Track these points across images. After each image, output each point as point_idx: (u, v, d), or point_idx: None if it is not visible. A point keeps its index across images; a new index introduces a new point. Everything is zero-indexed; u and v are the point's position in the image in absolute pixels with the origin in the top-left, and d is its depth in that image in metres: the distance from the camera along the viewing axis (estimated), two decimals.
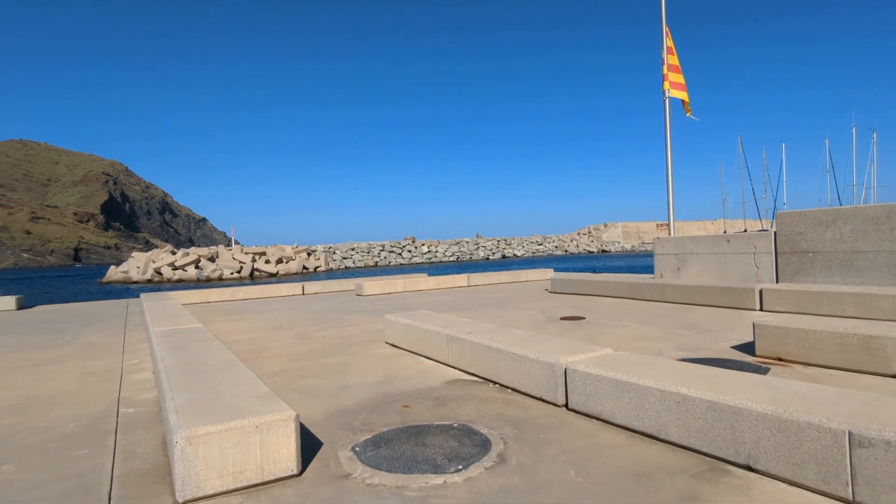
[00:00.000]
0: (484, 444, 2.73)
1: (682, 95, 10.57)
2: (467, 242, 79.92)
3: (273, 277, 49.35)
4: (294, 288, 12.78)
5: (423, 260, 73.05)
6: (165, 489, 2.38)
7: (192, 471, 2.23)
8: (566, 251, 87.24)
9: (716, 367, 3.22)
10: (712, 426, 2.43)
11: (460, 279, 13.10)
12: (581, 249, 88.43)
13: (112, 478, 2.53)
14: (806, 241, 6.90)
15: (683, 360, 4.30)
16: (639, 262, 51.24)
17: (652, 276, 9.28)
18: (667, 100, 10.31)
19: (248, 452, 2.35)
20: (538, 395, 3.45)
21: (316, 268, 56.17)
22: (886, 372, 3.66)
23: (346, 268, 64.12)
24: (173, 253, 51.91)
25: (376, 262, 68.83)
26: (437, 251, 75.51)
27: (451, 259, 75.27)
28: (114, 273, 52.69)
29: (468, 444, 2.73)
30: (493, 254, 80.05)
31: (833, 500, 2.05)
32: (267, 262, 51.93)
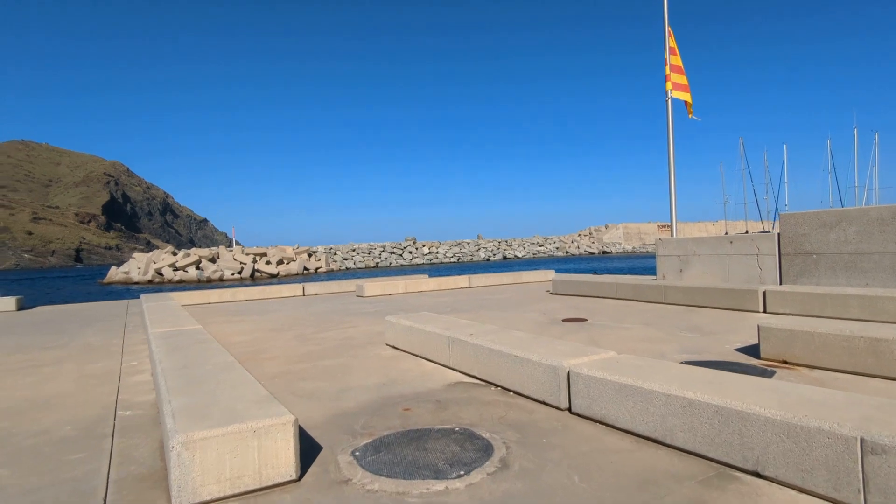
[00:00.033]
0: (486, 449, 2.68)
1: (685, 97, 10.53)
2: (468, 243, 79.90)
3: (274, 278, 49.33)
4: (294, 289, 12.74)
5: (424, 261, 73.01)
6: (162, 495, 2.33)
7: (188, 476, 2.19)
8: (567, 252, 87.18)
9: (721, 370, 3.18)
10: (719, 431, 2.39)
11: (461, 280, 13.06)
12: (582, 251, 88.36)
13: (108, 483, 2.48)
14: (810, 243, 6.85)
15: (687, 362, 4.25)
16: (640, 263, 51.15)
17: (654, 277, 9.23)
18: (669, 100, 10.26)
19: (246, 457, 2.30)
20: (541, 399, 3.40)
21: (317, 269, 56.16)
22: (895, 375, 3.61)
23: (346, 269, 64.10)
24: (174, 254, 51.92)
25: (377, 263, 68.80)
26: (437, 252, 75.48)
27: (452, 260, 75.23)
28: (115, 274, 52.71)
29: (470, 449, 2.69)
30: (494, 255, 80.00)
31: None
32: (268, 262, 51.93)
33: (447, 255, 75.83)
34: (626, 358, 3.31)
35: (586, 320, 6.78)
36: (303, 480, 2.42)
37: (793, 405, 2.26)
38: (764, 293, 6.78)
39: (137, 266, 50.77)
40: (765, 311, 6.75)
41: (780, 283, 7.20)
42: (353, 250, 69.76)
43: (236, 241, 59.79)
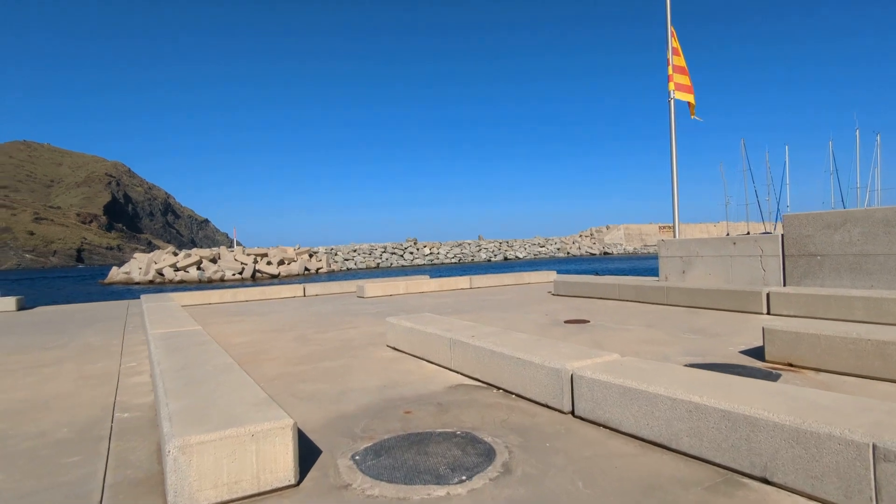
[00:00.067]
0: (488, 454, 2.64)
1: (688, 98, 10.47)
2: (469, 244, 79.85)
3: (275, 279, 49.33)
4: (295, 289, 12.70)
5: (425, 261, 72.98)
6: (158, 500, 2.29)
7: (184, 481, 2.15)
8: (568, 253, 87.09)
9: (725, 373, 3.13)
10: (726, 436, 2.34)
11: (462, 281, 13.01)
12: (583, 251, 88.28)
13: (103, 488, 2.44)
14: (814, 244, 6.80)
15: (691, 365, 4.20)
16: (641, 264, 51.07)
17: (656, 278, 9.18)
18: (672, 101, 10.21)
19: (244, 462, 2.26)
20: (543, 402, 3.36)
21: (318, 269, 56.14)
22: None
23: (347, 269, 64.08)
24: (175, 254, 51.94)
25: (378, 264, 68.77)
26: (438, 253, 75.44)
27: (453, 261, 75.19)
28: (116, 274, 52.75)
29: (472, 453, 2.64)
30: (495, 255, 79.95)
31: None
32: (269, 263, 51.92)
33: (448, 255, 75.79)
34: (630, 361, 3.26)
35: (588, 322, 6.73)
36: (302, 485, 2.38)
37: (801, 410, 2.22)
38: (768, 295, 6.72)
39: (138, 266, 50.78)
40: (768, 313, 6.69)
41: (784, 285, 7.15)
42: (354, 251, 69.74)
43: (237, 242, 59.80)
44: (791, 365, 4.13)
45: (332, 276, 52.19)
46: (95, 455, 2.85)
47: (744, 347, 4.88)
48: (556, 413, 3.24)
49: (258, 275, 50.48)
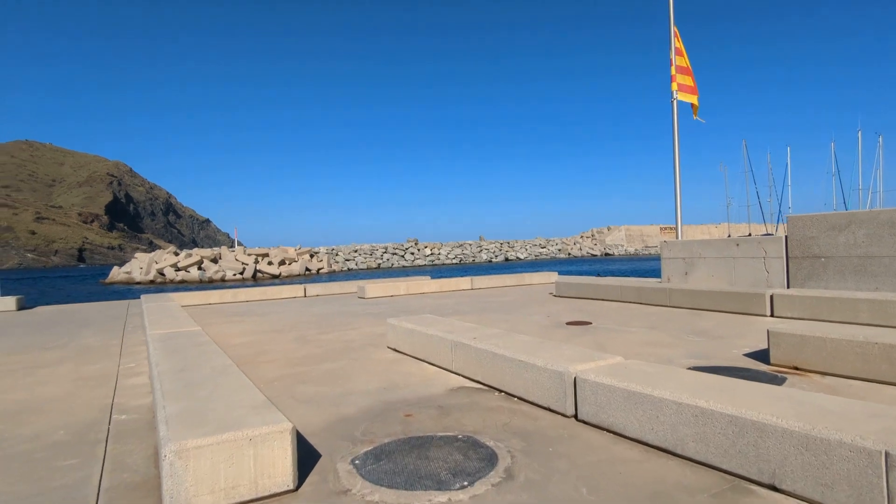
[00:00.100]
0: (490, 458, 2.60)
1: (692, 99, 10.41)
2: (470, 245, 79.79)
3: (275, 279, 49.31)
4: (296, 290, 12.67)
5: (426, 262, 72.93)
6: None
7: (181, 486, 2.10)
8: (569, 254, 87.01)
9: (730, 376, 3.09)
10: (734, 442, 2.29)
11: (463, 282, 12.97)
12: (584, 253, 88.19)
13: (99, 492, 2.40)
14: (818, 246, 6.74)
15: (695, 368, 4.16)
16: (643, 265, 50.99)
17: (659, 280, 9.12)
18: (675, 102, 10.16)
19: (242, 467, 2.22)
20: (546, 405, 3.31)
21: (318, 269, 56.12)
22: None
23: (348, 270, 64.05)
24: (176, 254, 51.95)
25: (379, 265, 68.74)
26: (439, 253, 75.38)
27: (454, 261, 75.13)
28: (117, 274, 52.76)
29: (473, 458, 2.60)
30: (496, 256, 79.88)
31: None
32: (270, 263, 51.91)
33: (449, 256, 75.73)
34: (635, 364, 3.22)
35: (591, 323, 6.68)
36: (300, 490, 2.34)
37: (811, 416, 2.17)
38: (771, 297, 6.67)
39: (139, 266, 50.80)
40: (772, 315, 6.64)
41: (788, 287, 7.09)
42: (355, 251, 69.72)
43: (238, 242, 59.82)
44: (796, 368, 4.08)
45: (332, 276, 52.18)
46: (92, 458, 2.81)
47: (748, 350, 4.83)
48: (559, 417, 3.19)
49: (259, 275, 50.46)
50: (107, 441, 3.06)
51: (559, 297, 10.16)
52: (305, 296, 12.63)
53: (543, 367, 3.31)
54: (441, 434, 2.95)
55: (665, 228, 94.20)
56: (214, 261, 51.01)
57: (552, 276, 13.79)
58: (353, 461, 2.62)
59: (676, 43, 10.27)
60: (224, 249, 53.13)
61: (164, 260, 50.25)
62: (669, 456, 2.57)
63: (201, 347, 4.23)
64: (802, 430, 2.07)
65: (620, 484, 2.31)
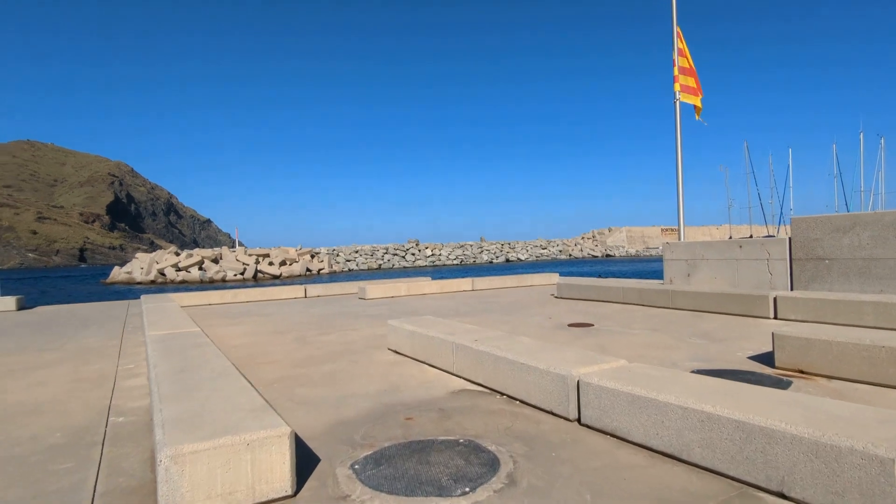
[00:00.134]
0: (492, 463, 2.55)
1: (694, 100, 10.37)
2: (471, 246, 79.75)
3: (276, 279, 49.30)
4: (296, 291, 12.63)
5: (427, 263, 72.89)
6: None
7: (176, 492, 2.06)
8: (570, 255, 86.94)
9: (735, 380, 3.04)
10: (741, 448, 2.25)
11: (464, 283, 12.92)
12: (585, 254, 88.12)
13: (94, 496, 2.36)
14: (822, 248, 6.69)
15: (699, 371, 4.11)
16: (644, 267, 50.92)
17: (661, 281, 9.07)
18: (677, 103, 10.11)
19: (239, 472, 2.18)
20: (548, 409, 3.27)
21: (319, 270, 56.10)
22: None
23: (349, 270, 64.03)
24: (177, 254, 51.96)
25: (380, 265, 68.71)
26: (440, 254, 75.34)
27: (455, 262, 75.08)
28: (117, 274, 52.78)
29: (475, 463, 2.55)
30: (497, 257, 79.83)
31: None
32: (270, 263, 51.89)
33: (450, 257, 75.68)
34: (639, 367, 3.17)
35: (593, 325, 6.64)
36: (299, 496, 2.30)
37: (820, 422, 2.13)
38: (775, 299, 6.62)
39: (140, 266, 50.81)
40: (776, 318, 6.59)
41: (792, 289, 7.04)
42: (356, 252, 69.71)
43: (239, 242, 59.83)
44: (802, 371, 4.03)
45: (333, 277, 52.15)
46: (87, 461, 2.76)
47: (752, 353, 4.78)
48: (562, 421, 3.15)
49: (260, 275, 50.45)
50: (103, 444, 3.02)
51: (560, 298, 10.11)
52: (306, 296, 12.59)
53: (546, 370, 3.27)
54: (442, 438, 2.91)
55: (666, 230, 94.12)
56: (215, 261, 51.01)
57: (553, 278, 13.74)
58: (352, 466, 2.57)
59: (679, 43, 10.23)
60: (225, 250, 53.13)
61: (164, 260, 50.26)
62: (675, 462, 2.52)
63: (200, 349, 4.19)
64: (812, 437, 2.03)
65: (625, 490, 2.27)
